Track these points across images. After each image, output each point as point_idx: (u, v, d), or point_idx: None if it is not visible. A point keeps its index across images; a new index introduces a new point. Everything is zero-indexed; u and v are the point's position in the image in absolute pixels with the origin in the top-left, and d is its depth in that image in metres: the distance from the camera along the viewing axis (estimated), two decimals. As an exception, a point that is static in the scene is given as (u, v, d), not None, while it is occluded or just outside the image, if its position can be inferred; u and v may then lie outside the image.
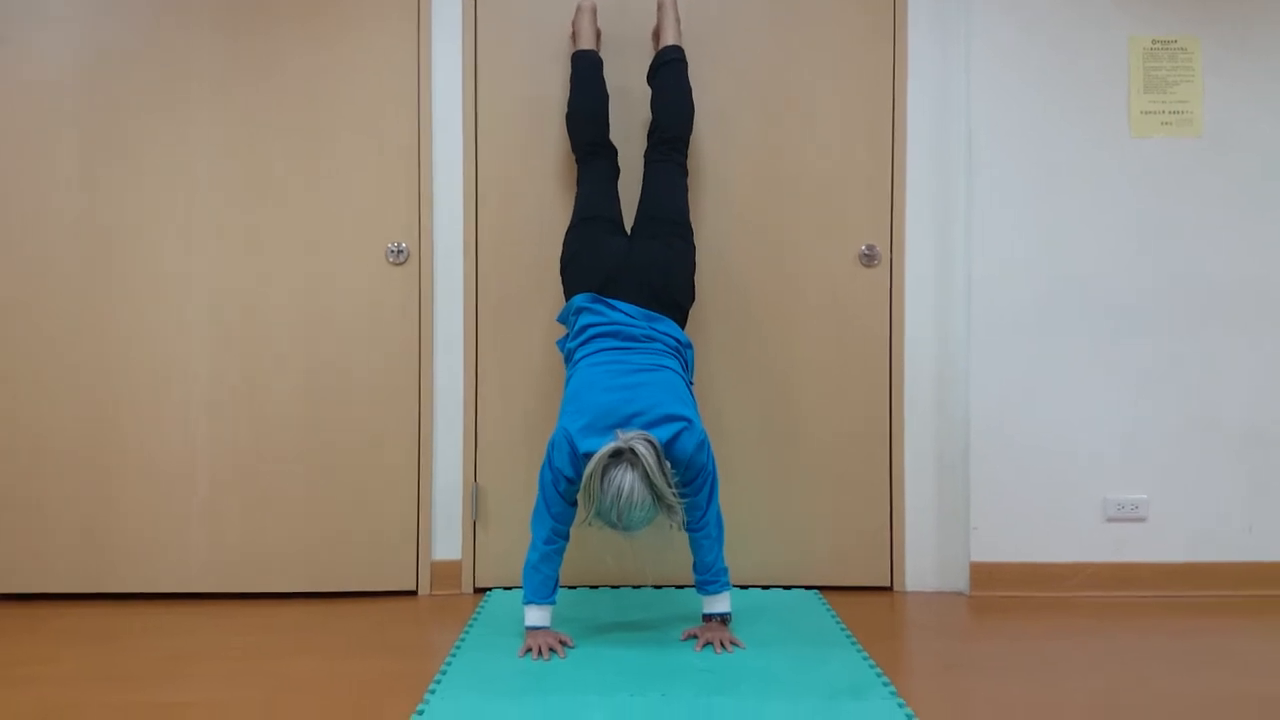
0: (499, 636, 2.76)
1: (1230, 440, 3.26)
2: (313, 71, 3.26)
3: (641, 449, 2.45)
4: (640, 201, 3.09)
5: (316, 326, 3.26)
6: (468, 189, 3.29)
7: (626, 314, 2.83)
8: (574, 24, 3.23)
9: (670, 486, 2.48)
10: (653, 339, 2.80)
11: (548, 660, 2.56)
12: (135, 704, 2.36)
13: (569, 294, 2.96)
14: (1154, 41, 3.28)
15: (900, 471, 3.31)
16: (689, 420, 2.61)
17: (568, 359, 2.89)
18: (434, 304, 3.29)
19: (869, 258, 3.31)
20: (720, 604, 2.70)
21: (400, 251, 3.26)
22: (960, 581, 3.29)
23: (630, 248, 2.98)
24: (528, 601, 2.66)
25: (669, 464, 2.52)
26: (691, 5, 3.26)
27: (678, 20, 3.19)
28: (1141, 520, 3.25)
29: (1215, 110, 3.27)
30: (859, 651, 2.64)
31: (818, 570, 3.30)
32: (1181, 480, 3.26)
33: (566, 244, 3.04)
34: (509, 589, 3.24)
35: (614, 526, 2.50)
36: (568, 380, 2.81)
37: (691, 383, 2.87)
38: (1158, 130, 3.27)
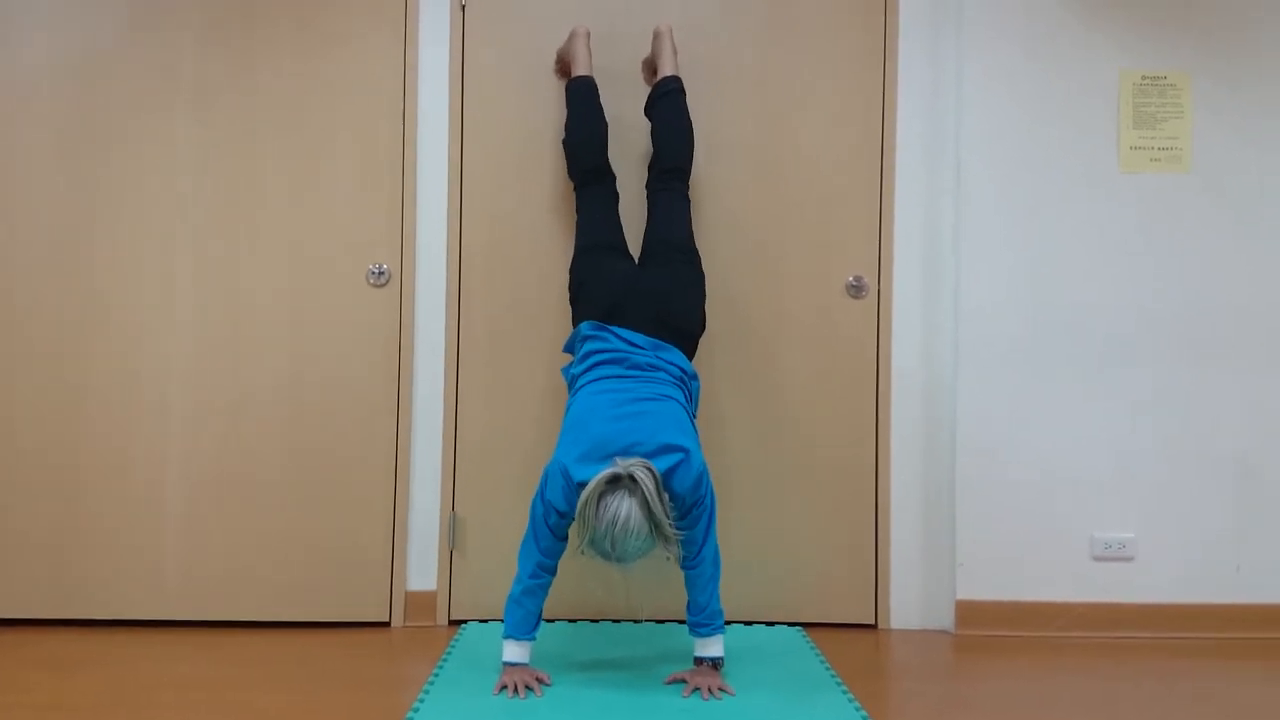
0: (474, 672, 2.69)
1: (1219, 477, 3.23)
2: (296, 86, 3.21)
3: (641, 475, 2.38)
4: (646, 230, 3.05)
5: (294, 348, 3.19)
6: (452, 210, 3.24)
7: (633, 343, 2.77)
8: (568, 50, 3.19)
9: (668, 517, 2.41)
10: (658, 368, 2.74)
11: (523, 698, 2.48)
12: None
13: (577, 323, 2.90)
14: (1144, 77, 3.27)
15: (886, 507, 3.26)
16: (688, 451, 2.53)
17: (570, 386, 2.82)
18: (415, 328, 3.23)
19: (857, 289, 3.27)
20: (712, 647, 2.61)
21: (382, 273, 3.20)
22: (945, 619, 3.24)
23: (639, 275, 2.93)
24: (507, 636, 2.57)
25: (667, 494, 2.45)
26: (681, 33, 3.22)
27: (674, 50, 3.15)
28: (1129, 560, 3.21)
29: (1204, 147, 3.26)
30: (844, 693, 2.58)
31: (801, 607, 3.24)
32: (1169, 518, 3.22)
33: (574, 273, 2.99)
34: (485, 621, 3.16)
35: (607, 557, 2.42)
36: (568, 407, 2.74)
37: (694, 415, 2.81)
38: (1147, 166, 3.26)
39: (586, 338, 2.83)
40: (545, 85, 3.26)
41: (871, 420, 3.27)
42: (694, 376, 2.86)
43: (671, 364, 2.78)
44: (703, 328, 2.96)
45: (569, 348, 2.94)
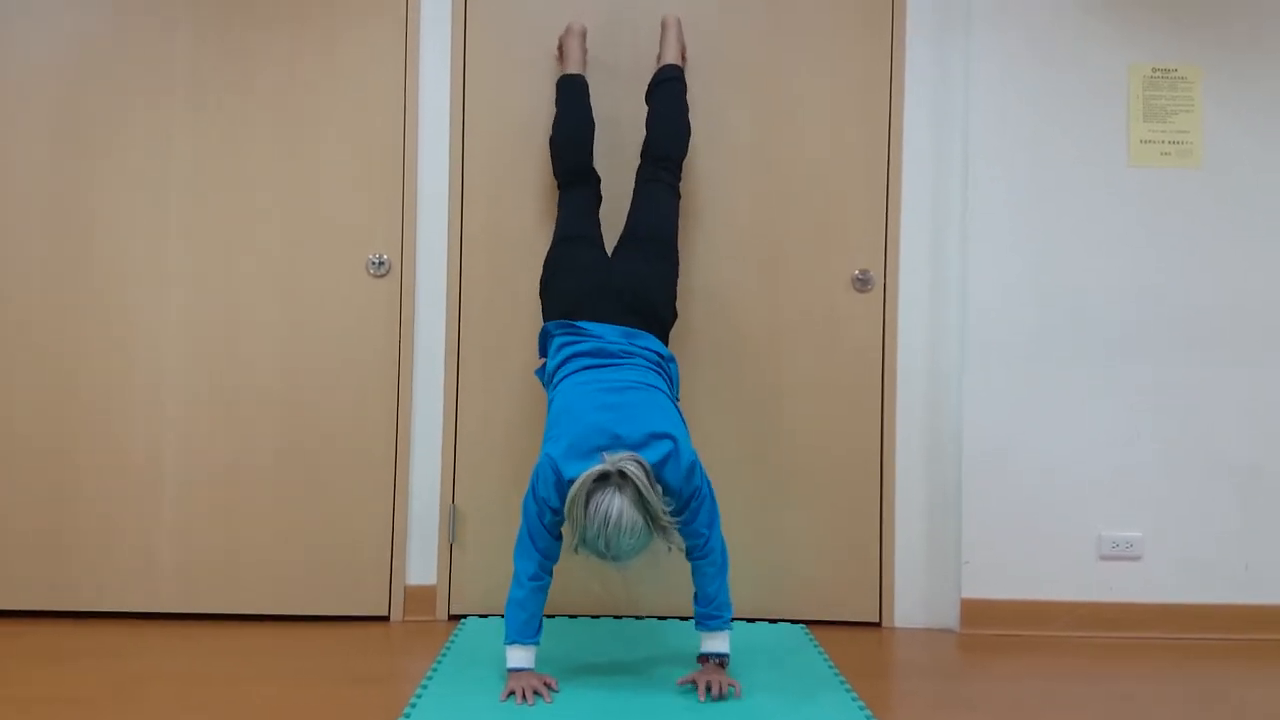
0: (473, 668, 2.65)
1: (1227, 475, 3.19)
2: (296, 76, 3.17)
3: (631, 469, 2.31)
4: (627, 219, 3.00)
5: (292, 339, 3.16)
6: (453, 201, 3.20)
7: (601, 335, 2.72)
8: (562, 45, 3.16)
9: (663, 507, 2.34)
10: (632, 354, 2.69)
11: (532, 705, 2.40)
12: (88, 733, 2.26)
13: (547, 316, 2.86)
14: (1155, 70, 3.23)
15: (891, 503, 3.22)
16: (676, 440, 2.47)
17: (547, 384, 2.77)
18: (415, 319, 3.19)
19: (863, 282, 3.23)
20: (718, 643, 2.54)
21: (382, 263, 3.17)
22: (950, 618, 3.21)
23: (611, 265, 2.89)
24: (510, 641, 2.49)
25: (659, 486, 2.38)
26: (688, 23, 3.19)
27: (678, 41, 3.13)
28: (1136, 559, 3.17)
29: (1215, 141, 3.22)
30: (848, 692, 2.54)
31: (805, 604, 3.21)
32: (1177, 517, 3.18)
33: (546, 265, 2.94)
34: (485, 616, 3.13)
35: (603, 556, 2.35)
36: (550, 404, 2.69)
37: (678, 398, 2.77)
38: (1156, 160, 3.22)
39: (554, 335, 2.78)
40: (547, 75, 3.21)
41: (876, 415, 3.23)
42: (671, 359, 2.80)
43: (646, 349, 2.73)
44: (674, 317, 2.91)
45: (540, 349, 2.88)
